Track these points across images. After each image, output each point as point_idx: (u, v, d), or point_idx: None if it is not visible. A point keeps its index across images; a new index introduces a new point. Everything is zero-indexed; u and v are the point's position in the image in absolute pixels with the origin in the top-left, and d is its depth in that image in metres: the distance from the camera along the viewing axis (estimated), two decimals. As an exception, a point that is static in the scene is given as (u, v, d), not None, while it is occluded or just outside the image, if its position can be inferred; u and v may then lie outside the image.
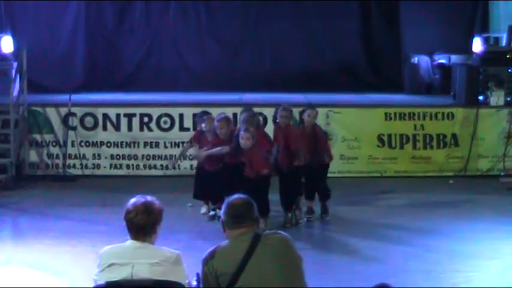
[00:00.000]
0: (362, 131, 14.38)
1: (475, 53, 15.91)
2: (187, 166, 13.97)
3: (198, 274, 4.97)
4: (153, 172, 14.33)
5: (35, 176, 14.14)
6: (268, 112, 12.97)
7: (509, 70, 14.79)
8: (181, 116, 14.36)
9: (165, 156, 14.28)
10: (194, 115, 13.17)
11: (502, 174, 14.11)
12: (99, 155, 14.35)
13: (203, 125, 11.07)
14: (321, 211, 11.03)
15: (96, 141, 14.33)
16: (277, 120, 10.79)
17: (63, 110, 14.33)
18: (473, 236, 10.15)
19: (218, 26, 19.12)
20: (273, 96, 15.93)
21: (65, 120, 14.33)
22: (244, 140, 10.03)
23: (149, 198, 4.98)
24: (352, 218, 11.08)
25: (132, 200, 4.96)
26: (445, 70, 17.02)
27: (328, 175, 11.27)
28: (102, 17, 18.85)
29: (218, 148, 10.61)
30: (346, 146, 14.26)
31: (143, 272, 4.79)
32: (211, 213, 10.95)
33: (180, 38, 19.09)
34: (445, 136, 14.43)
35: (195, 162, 13.37)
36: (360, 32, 19.21)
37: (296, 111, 11.99)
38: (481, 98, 14.72)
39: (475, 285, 8.08)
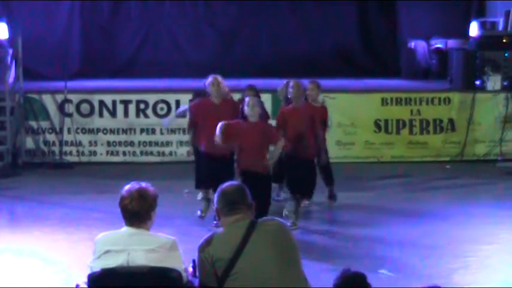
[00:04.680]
0: (358, 117, 14.36)
1: (472, 38, 15.88)
2: (184, 152, 13.94)
3: (194, 261, 4.96)
4: (150, 159, 14.31)
5: (31, 163, 14.09)
6: (266, 98, 12.93)
7: (506, 54, 14.75)
8: (177, 102, 14.31)
9: (162, 142, 14.27)
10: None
11: (499, 159, 14.13)
12: (95, 141, 14.32)
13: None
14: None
15: (93, 128, 14.31)
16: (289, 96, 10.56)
17: (59, 97, 14.30)
18: (470, 220, 10.17)
19: (214, 12, 19.03)
20: (269, 82, 15.88)
21: (61, 107, 14.29)
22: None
23: (143, 184, 4.96)
24: (348, 203, 11.06)
25: (127, 187, 4.93)
26: (442, 55, 16.96)
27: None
28: (98, 3, 18.75)
29: None
30: (343, 132, 14.23)
31: (139, 258, 4.78)
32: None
33: (176, 25, 18.98)
34: (441, 121, 14.42)
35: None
36: (357, 16, 19.12)
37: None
38: (477, 82, 14.70)
39: (473, 270, 8.09)
